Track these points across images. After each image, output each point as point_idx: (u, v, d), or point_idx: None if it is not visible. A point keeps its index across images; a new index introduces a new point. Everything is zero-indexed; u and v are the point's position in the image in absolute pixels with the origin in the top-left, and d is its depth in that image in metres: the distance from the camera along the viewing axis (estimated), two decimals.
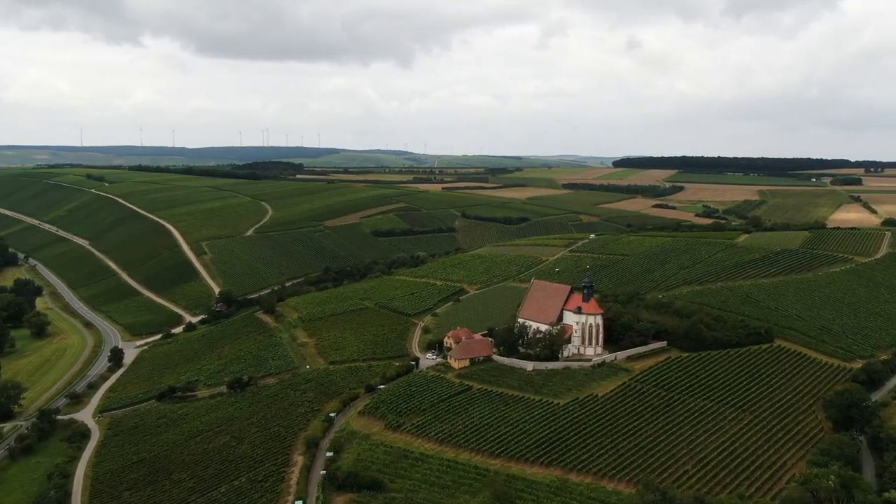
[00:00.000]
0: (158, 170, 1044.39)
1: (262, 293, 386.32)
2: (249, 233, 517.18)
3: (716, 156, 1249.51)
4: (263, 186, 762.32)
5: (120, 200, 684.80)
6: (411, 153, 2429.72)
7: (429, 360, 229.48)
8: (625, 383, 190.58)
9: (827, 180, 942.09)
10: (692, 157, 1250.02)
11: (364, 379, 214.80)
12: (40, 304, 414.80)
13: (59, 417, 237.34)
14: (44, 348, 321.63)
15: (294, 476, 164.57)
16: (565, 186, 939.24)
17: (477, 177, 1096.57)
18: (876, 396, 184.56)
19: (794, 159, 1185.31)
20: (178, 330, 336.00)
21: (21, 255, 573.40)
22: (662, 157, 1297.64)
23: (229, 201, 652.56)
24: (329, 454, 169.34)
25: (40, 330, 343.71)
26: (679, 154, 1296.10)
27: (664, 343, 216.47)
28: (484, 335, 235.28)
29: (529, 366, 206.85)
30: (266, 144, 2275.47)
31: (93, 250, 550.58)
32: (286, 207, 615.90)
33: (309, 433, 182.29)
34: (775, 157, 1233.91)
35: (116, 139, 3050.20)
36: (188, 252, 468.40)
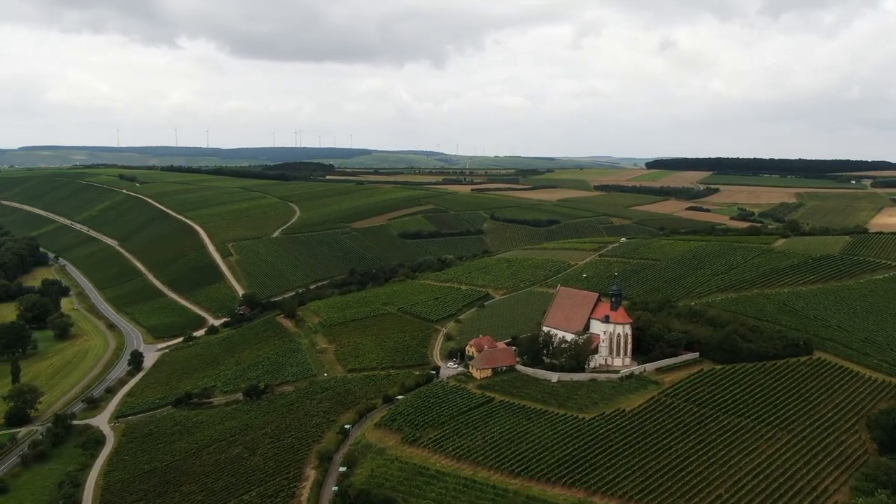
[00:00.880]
0: (190, 170, 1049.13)
1: (286, 296, 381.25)
2: (276, 234, 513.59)
3: (751, 157, 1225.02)
4: (292, 187, 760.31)
5: (150, 201, 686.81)
6: (443, 154, 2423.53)
7: (450, 368, 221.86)
8: (654, 397, 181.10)
9: (867, 182, 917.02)
10: (727, 159, 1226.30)
11: (382, 388, 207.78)
12: (66, 304, 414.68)
13: (75, 423, 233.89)
14: (66, 350, 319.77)
15: (305, 492, 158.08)
16: (597, 188, 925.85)
17: (507, 178, 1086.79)
18: None
19: (832, 161, 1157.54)
20: (200, 333, 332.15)
21: (51, 255, 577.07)
22: (696, 159, 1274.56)
23: (257, 202, 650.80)
24: (342, 469, 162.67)
25: (63, 331, 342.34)
26: (713, 155, 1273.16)
27: (696, 354, 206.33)
28: (508, 344, 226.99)
29: (554, 377, 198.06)
30: (299, 145, 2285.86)
31: (121, 251, 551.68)
32: (314, 209, 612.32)
33: (322, 446, 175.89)
34: (813, 158, 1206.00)
35: (152, 140, 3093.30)
36: (214, 253, 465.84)
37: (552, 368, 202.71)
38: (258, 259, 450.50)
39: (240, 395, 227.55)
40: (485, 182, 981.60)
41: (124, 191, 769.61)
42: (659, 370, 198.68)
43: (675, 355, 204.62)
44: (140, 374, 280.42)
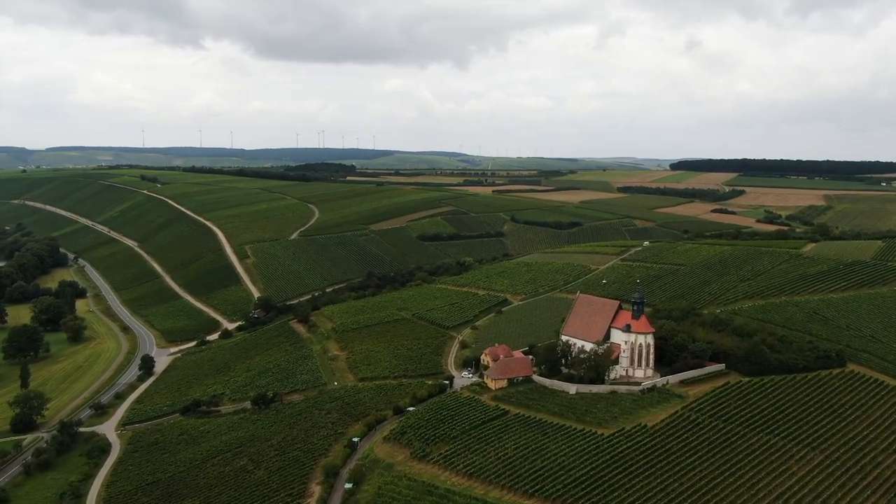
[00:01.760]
0: (211, 171, 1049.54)
1: (301, 299, 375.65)
2: (294, 236, 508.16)
3: (778, 158, 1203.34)
4: (312, 188, 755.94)
5: (170, 202, 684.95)
6: (465, 155, 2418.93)
7: (464, 378, 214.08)
8: (677, 412, 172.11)
9: None
10: (753, 160, 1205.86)
11: (393, 399, 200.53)
12: (82, 306, 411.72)
13: (82, 430, 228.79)
14: (78, 354, 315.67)
15: None
16: (620, 190, 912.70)
17: (529, 179, 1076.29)
18: None
19: (861, 162, 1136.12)
20: (214, 337, 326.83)
21: (71, 256, 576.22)
22: (722, 160, 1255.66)
23: (277, 203, 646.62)
24: (348, 485, 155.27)
25: (76, 334, 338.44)
26: (739, 156, 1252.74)
27: (722, 366, 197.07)
28: (524, 352, 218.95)
29: (572, 389, 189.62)
30: (322, 146, 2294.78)
31: (140, 252, 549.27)
32: (333, 210, 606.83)
33: (329, 460, 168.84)
34: (841, 159, 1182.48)
35: (177, 140, 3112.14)
36: (231, 255, 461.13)
37: (570, 379, 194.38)
38: (275, 261, 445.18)
39: (248, 404, 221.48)
40: (506, 183, 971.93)
41: (145, 191, 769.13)
42: (683, 382, 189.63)
43: (700, 367, 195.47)
44: (150, 380, 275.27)
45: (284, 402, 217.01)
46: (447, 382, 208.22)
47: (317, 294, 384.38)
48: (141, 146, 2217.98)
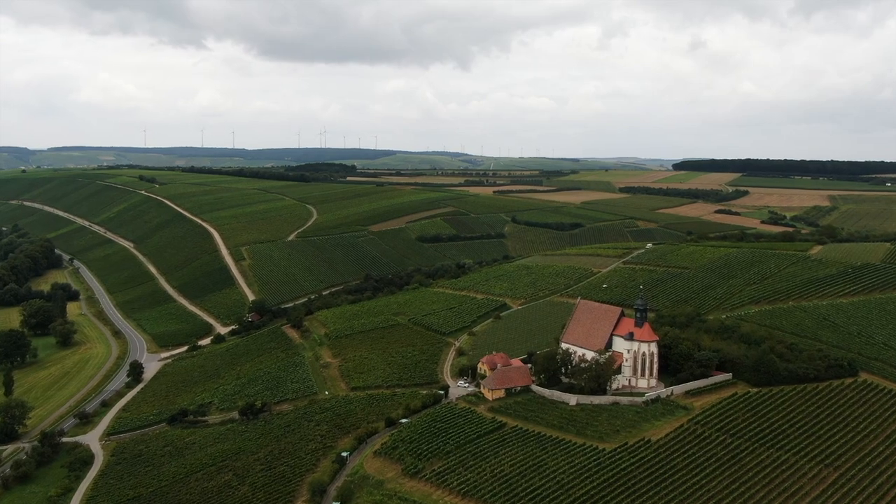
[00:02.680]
0: (210, 171, 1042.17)
1: (297, 302, 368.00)
2: (291, 237, 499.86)
3: (781, 158, 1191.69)
4: (311, 189, 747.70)
5: (167, 202, 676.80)
6: (467, 155, 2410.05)
7: (460, 388, 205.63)
8: (683, 426, 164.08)
9: None
10: (756, 160, 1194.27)
11: (385, 410, 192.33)
12: (74, 309, 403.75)
13: (65, 440, 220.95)
14: (66, 359, 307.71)
15: None
16: (622, 190, 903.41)
17: (531, 180, 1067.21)
18: None
19: (866, 162, 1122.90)
20: (206, 341, 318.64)
21: (66, 258, 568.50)
22: (725, 160, 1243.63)
23: (275, 204, 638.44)
24: None
25: (66, 339, 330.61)
26: (742, 157, 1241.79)
27: (729, 376, 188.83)
28: (523, 361, 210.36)
29: (572, 400, 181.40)
30: (323, 146, 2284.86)
31: (136, 253, 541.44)
32: (331, 211, 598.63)
33: (316, 476, 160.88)
34: (845, 159, 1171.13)
35: (179, 140, 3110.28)
36: (227, 257, 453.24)
37: (571, 389, 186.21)
38: (271, 263, 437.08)
39: (236, 414, 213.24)
40: (508, 184, 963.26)
41: (143, 192, 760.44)
42: (688, 393, 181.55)
43: (706, 376, 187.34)
44: (139, 387, 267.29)
45: (273, 412, 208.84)
46: (442, 392, 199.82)
47: (312, 297, 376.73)
48: (143, 146, 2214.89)
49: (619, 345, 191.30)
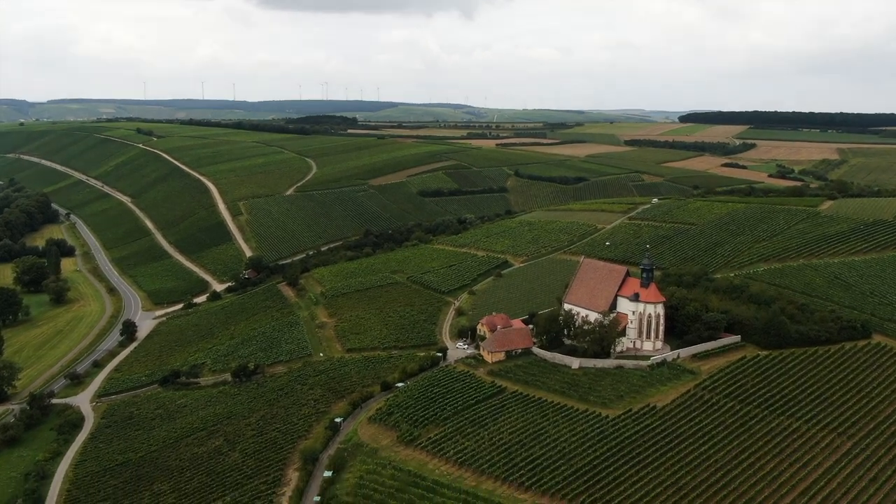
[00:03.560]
0: (209, 124, 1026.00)
1: (295, 258, 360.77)
2: (290, 192, 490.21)
3: (790, 110, 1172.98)
4: (311, 142, 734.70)
5: (164, 156, 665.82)
6: (470, 107, 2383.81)
7: (459, 350, 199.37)
8: (689, 391, 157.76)
9: None
10: (764, 112, 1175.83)
11: (381, 373, 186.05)
12: (70, 265, 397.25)
13: (55, 401, 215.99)
14: (59, 317, 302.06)
15: (284, 501, 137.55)
16: (627, 143, 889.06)
17: (535, 132, 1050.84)
18: None
19: (876, 115, 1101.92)
20: (202, 299, 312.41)
21: (63, 212, 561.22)
22: (732, 112, 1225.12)
23: (274, 157, 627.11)
24: (327, 474, 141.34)
25: (59, 296, 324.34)
26: (750, 109, 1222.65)
27: (738, 338, 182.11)
28: (524, 321, 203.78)
29: (575, 363, 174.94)
30: (325, 98, 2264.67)
31: (133, 208, 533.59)
32: (331, 164, 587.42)
33: (309, 443, 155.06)
34: (855, 111, 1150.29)
35: (180, 93, 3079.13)
36: (224, 212, 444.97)
37: (573, 352, 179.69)
38: (269, 218, 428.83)
39: (228, 376, 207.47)
40: (511, 136, 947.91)
41: (140, 145, 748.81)
42: (695, 356, 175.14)
43: (714, 338, 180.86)
44: (132, 346, 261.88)
45: (267, 374, 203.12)
46: (440, 355, 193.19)
47: (311, 253, 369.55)
48: (143, 98, 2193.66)
49: (624, 306, 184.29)
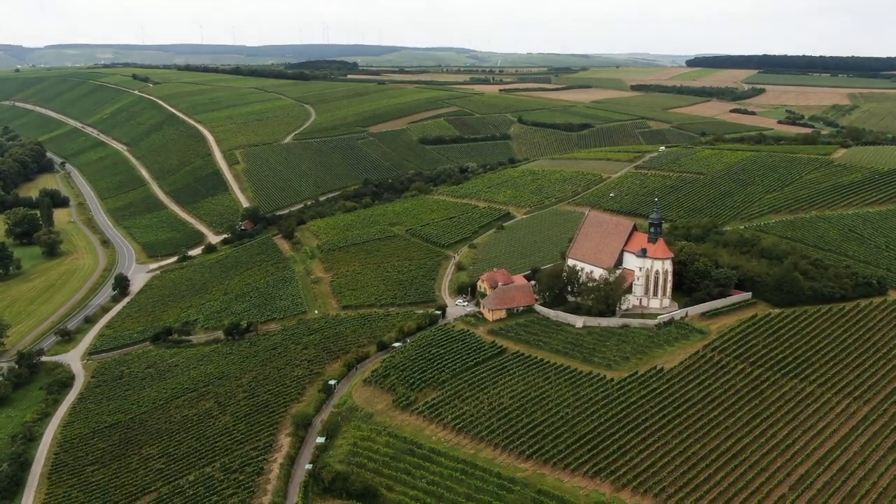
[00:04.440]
0: (206, 70, 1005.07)
1: (292, 209, 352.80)
2: (288, 140, 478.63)
3: (800, 54, 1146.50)
4: (310, 87, 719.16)
5: (161, 103, 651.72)
6: (474, 51, 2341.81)
7: (459, 307, 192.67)
8: (698, 352, 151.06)
9: None
10: (773, 56, 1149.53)
11: (378, 332, 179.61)
12: (64, 217, 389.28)
13: (45, 359, 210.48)
14: (51, 270, 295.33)
15: (274, 469, 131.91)
16: (634, 88, 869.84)
17: (539, 77, 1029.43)
18: None
19: (888, 58, 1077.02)
20: (197, 251, 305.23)
21: (58, 161, 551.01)
22: (740, 56, 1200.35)
23: (272, 104, 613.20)
24: (320, 440, 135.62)
25: (51, 249, 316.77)
26: (759, 53, 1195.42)
27: (748, 295, 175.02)
28: (526, 277, 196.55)
29: (579, 322, 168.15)
30: (326, 42, 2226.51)
31: (129, 157, 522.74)
32: (330, 111, 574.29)
33: (301, 407, 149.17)
34: (866, 55, 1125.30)
35: (178, 38, 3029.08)
36: (220, 161, 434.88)
37: (577, 310, 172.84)
38: (266, 167, 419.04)
39: (220, 334, 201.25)
40: (515, 81, 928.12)
41: (136, 92, 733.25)
42: (704, 315, 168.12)
43: (724, 296, 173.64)
44: (125, 300, 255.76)
45: (260, 332, 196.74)
46: (439, 313, 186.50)
47: (309, 203, 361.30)
48: (141, 43, 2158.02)
49: (631, 262, 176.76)
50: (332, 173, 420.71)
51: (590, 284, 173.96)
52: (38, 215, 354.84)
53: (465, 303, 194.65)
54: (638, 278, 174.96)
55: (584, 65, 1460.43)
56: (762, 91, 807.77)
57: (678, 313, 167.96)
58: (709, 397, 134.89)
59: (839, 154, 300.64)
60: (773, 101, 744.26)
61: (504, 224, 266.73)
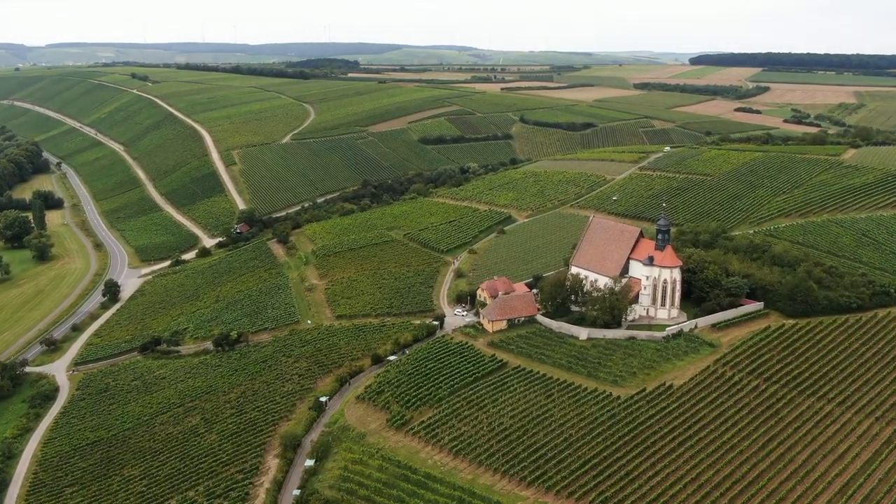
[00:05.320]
0: (206, 68, 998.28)
1: (289, 210, 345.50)
2: (286, 139, 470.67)
3: (804, 52, 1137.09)
4: (310, 86, 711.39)
5: (159, 102, 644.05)
6: (476, 49, 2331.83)
7: (458, 317, 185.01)
8: (709, 367, 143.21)
9: None
10: (778, 54, 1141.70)
11: (372, 344, 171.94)
12: (57, 219, 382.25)
13: (29, 370, 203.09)
14: (41, 276, 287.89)
15: (261, 493, 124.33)
16: (636, 86, 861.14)
17: (541, 75, 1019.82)
18: None
19: (894, 56, 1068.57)
20: (191, 255, 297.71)
21: (54, 161, 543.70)
22: (744, 54, 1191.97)
23: (271, 103, 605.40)
24: (309, 462, 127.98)
25: (42, 253, 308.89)
26: (763, 50, 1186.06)
27: (760, 305, 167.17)
28: (528, 285, 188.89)
29: (583, 333, 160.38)
30: (328, 40, 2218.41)
31: (126, 157, 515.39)
32: (330, 110, 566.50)
33: (290, 427, 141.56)
34: (872, 53, 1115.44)
35: (180, 36, 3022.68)
36: (217, 162, 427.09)
37: (581, 321, 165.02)
38: (263, 168, 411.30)
39: (210, 345, 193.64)
40: (516, 80, 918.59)
41: (135, 91, 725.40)
42: (714, 326, 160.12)
43: (735, 306, 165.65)
44: (115, 307, 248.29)
45: (250, 343, 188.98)
46: (437, 323, 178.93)
47: (306, 205, 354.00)
48: (142, 42, 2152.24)
49: (637, 270, 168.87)
50: (330, 174, 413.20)
51: (594, 294, 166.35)
52: (31, 218, 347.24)
53: (465, 312, 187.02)
54: (645, 287, 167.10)
55: (587, 63, 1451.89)
56: (767, 89, 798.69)
57: (687, 325, 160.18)
58: (721, 417, 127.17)
59: (849, 155, 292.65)
60: (778, 99, 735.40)
61: (505, 228, 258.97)
